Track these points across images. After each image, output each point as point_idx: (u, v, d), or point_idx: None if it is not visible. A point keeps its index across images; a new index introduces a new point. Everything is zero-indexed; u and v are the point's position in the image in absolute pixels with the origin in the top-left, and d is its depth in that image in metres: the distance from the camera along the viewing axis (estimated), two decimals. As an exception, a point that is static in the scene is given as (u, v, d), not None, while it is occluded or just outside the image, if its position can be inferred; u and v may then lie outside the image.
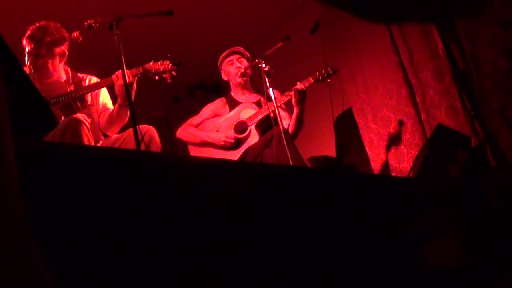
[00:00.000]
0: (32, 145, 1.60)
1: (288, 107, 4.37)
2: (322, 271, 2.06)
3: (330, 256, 2.19)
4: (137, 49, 4.57)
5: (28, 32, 3.45)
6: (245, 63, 4.48)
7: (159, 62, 3.57)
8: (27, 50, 3.45)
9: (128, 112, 3.46)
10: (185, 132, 4.47)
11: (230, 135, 4.28)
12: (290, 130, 4.15)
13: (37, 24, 3.48)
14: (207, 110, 4.58)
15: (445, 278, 2.20)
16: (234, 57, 4.56)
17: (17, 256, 0.74)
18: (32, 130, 2.06)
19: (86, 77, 3.67)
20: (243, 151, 4.20)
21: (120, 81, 3.34)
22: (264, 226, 2.06)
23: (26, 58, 3.47)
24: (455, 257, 2.28)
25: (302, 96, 4.12)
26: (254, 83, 4.53)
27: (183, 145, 4.58)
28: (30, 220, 0.82)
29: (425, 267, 2.35)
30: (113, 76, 3.41)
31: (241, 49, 4.60)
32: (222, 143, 4.28)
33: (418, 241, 2.40)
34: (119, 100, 3.44)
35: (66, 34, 3.52)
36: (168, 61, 3.57)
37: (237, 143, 4.28)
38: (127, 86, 3.12)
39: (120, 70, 3.35)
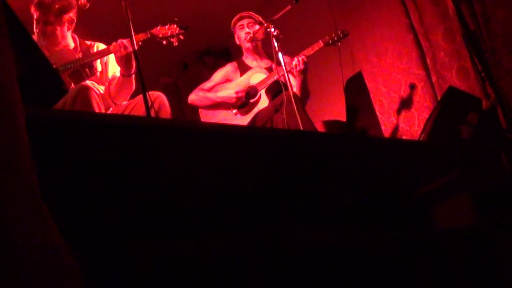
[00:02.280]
0: (43, 113, 1.61)
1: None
2: (331, 234, 2.08)
3: (340, 219, 2.20)
4: (144, 15, 4.54)
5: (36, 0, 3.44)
6: (257, 27, 4.44)
7: (166, 27, 3.56)
8: (35, 17, 3.45)
9: (133, 81, 3.47)
10: (196, 96, 4.47)
11: (240, 89, 4.28)
12: None
13: (45, -9, 3.47)
14: (218, 74, 4.57)
15: (455, 239, 2.21)
16: (245, 21, 4.53)
17: (30, 222, 0.75)
18: (42, 98, 2.07)
19: (94, 44, 3.66)
20: (253, 115, 4.20)
21: (119, 53, 3.34)
22: (275, 191, 2.07)
23: (34, 25, 3.47)
24: (466, 219, 2.28)
25: (304, 66, 4.10)
26: (266, 49, 4.50)
27: (193, 111, 4.58)
28: (42, 187, 0.83)
29: (436, 228, 2.36)
30: (111, 47, 3.40)
31: (252, 13, 4.56)
32: (234, 100, 4.27)
33: (429, 203, 2.40)
34: (121, 70, 3.44)
35: (74, 1, 3.51)
36: (175, 25, 3.56)
37: (248, 106, 4.28)
38: (136, 54, 3.11)
39: (120, 41, 3.34)
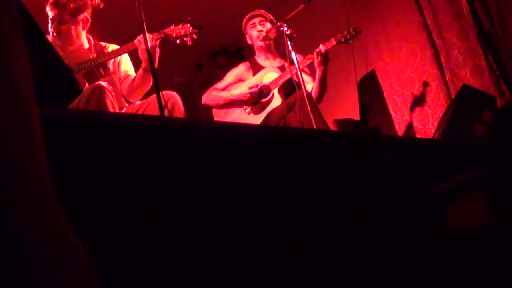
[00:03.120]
0: (57, 112, 1.62)
1: (311, 71, 4.35)
2: (345, 233, 2.07)
3: (353, 218, 2.20)
4: (158, 14, 4.55)
5: (52, -1, 3.47)
6: (268, 26, 4.44)
7: (180, 26, 3.57)
8: (50, 16, 3.47)
9: (150, 79, 3.48)
10: (209, 96, 4.47)
11: (253, 86, 4.28)
12: (314, 94, 4.13)
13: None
14: (231, 74, 4.57)
15: (470, 239, 2.20)
16: (256, 20, 4.52)
17: (44, 220, 0.76)
18: (57, 97, 2.08)
19: (108, 46, 3.68)
20: (266, 115, 4.20)
21: (143, 45, 3.36)
22: (288, 190, 2.07)
23: (49, 25, 3.49)
24: (480, 218, 2.27)
25: (324, 58, 4.09)
26: (279, 48, 4.50)
27: (207, 110, 4.59)
28: (55, 186, 0.84)
29: (450, 228, 2.35)
30: (135, 41, 3.42)
31: (263, 12, 4.55)
32: (248, 95, 4.27)
33: (443, 202, 2.39)
34: (143, 64, 3.45)
35: (89, 1, 3.53)
36: (189, 24, 3.57)
37: (261, 105, 4.27)
38: (149, 52, 3.12)
39: (142, 35, 3.36)
